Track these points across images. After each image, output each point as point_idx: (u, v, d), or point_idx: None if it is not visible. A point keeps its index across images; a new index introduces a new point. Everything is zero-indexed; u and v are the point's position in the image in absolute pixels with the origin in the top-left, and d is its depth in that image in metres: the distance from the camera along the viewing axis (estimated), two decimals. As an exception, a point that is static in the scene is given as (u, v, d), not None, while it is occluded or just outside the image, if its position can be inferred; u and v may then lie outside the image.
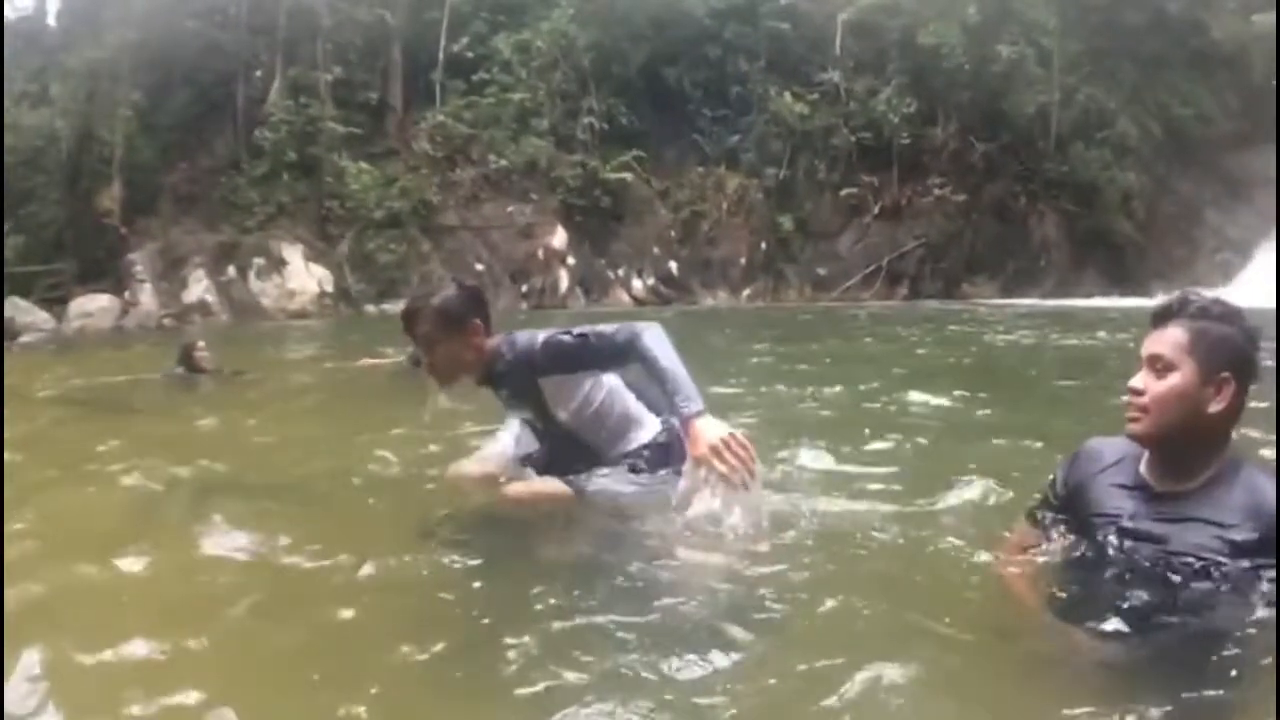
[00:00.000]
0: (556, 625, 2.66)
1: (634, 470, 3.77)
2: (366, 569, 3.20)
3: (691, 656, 2.42)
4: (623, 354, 3.55)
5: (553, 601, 2.85)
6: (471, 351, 3.75)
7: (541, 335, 3.68)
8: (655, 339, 3.48)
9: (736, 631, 2.59)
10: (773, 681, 2.32)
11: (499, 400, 4.00)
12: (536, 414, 3.85)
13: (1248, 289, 21.68)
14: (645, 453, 3.81)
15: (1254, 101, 32.51)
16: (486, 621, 2.77)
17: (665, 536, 3.40)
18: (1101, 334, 14.29)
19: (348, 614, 2.86)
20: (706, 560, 3.19)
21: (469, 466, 4.28)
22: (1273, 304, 12.21)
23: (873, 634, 2.58)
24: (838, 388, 8.07)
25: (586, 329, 3.64)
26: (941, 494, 3.96)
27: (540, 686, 2.30)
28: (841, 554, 3.24)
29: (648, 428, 3.88)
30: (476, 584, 3.13)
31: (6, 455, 5.43)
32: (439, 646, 2.55)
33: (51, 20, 29.86)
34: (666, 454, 3.78)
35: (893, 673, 2.26)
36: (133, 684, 2.38)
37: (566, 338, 3.63)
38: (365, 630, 2.78)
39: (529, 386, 3.75)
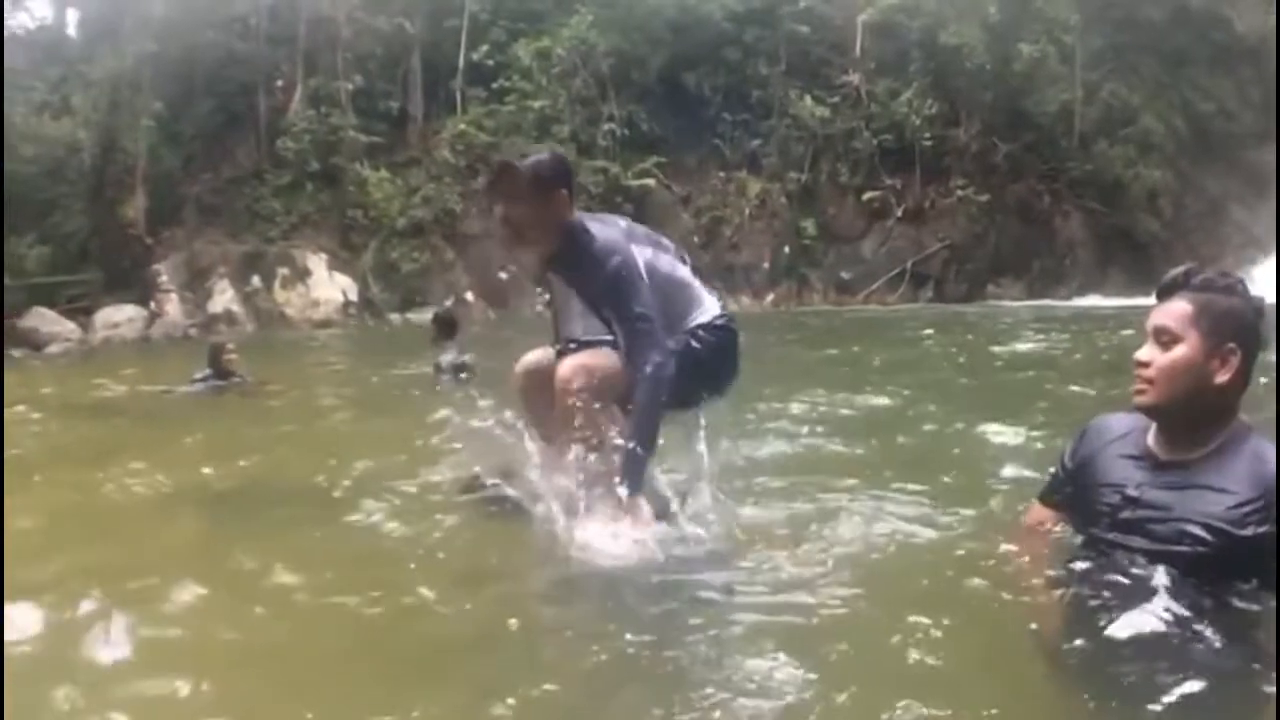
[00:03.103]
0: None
1: (694, 341, 3.78)
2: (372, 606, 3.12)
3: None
4: (641, 350, 3.57)
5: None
6: (553, 219, 3.73)
7: (615, 258, 3.62)
8: (656, 384, 3.54)
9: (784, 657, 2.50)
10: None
11: (557, 281, 4.02)
12: (593, 306, 3.83)
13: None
14: (701, 332, 3.83)
15: (1276, 96, 32.10)
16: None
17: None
18: (1126, 333, 14.12)
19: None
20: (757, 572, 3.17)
21: (519, 367, 4.17)
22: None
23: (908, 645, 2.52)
24: (871, 395, 7.97)
25: (644, 311, 3.60)
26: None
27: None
28: (883, 565, 3.21)
29: (708, 308, 3.89)
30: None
31: (21, 460, 5.49)
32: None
33: (72, 31, 29.95)
34: (722, 336, 3.85)
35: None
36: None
37: (633, 307, 3.60)
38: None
39: (592, 279, 3.71)
